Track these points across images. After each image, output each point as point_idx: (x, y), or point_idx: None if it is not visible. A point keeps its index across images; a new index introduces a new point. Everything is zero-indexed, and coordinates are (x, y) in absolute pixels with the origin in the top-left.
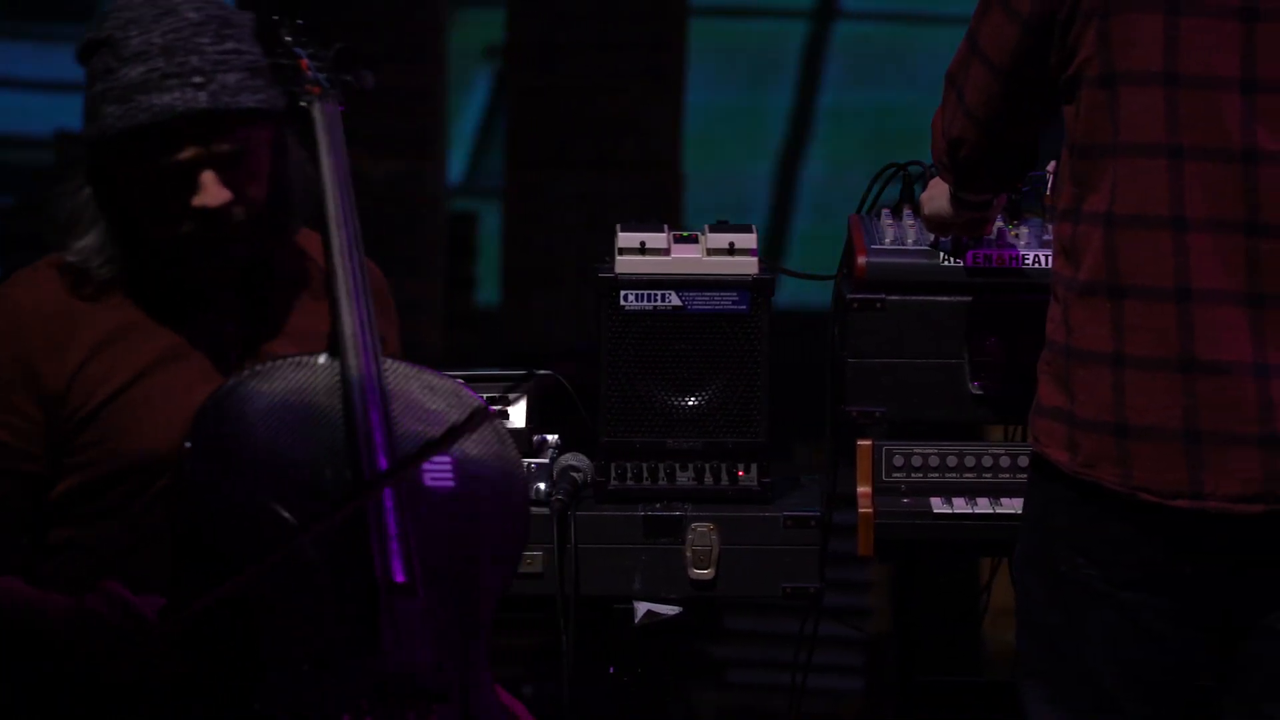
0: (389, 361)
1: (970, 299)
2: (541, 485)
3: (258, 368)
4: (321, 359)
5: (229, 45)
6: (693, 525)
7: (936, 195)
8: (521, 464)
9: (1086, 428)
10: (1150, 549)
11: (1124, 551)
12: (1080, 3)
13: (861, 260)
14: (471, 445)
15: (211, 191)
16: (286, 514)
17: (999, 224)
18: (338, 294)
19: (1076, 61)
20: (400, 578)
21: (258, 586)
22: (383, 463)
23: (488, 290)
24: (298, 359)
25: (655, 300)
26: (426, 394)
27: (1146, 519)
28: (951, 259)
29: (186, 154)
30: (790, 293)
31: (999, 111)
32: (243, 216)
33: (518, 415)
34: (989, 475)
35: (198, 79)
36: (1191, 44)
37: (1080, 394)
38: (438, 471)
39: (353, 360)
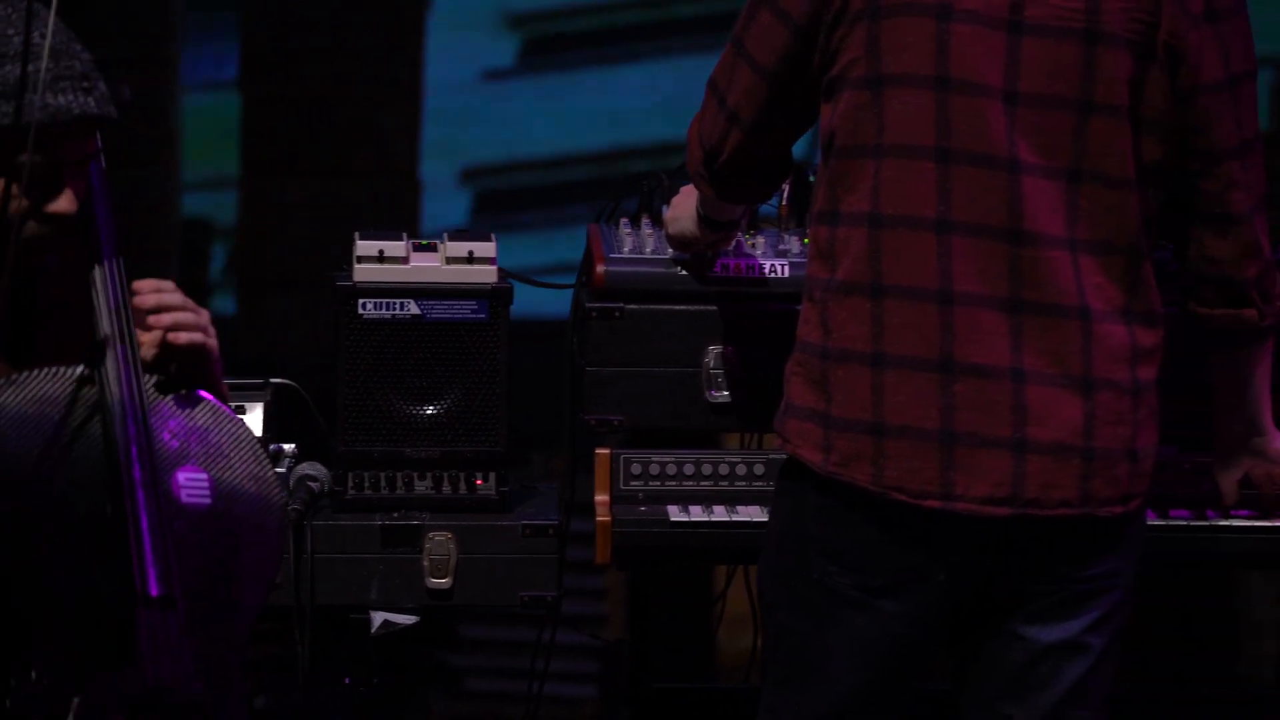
0: (148, 376)
1: (708, 308)
2: None
3: (13, 377)
4: (79, 370)
5: (88, 54)
6: (430, 534)
7: (682, 216)
8: (278, 482)
9: (842, 427)
10: (902, 554)
11: (876, 558)
12: (849, 5)
13: (600, 269)
14: (229, 466)
15: (68, 198)
16: (31, 523)
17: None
18: (97, 304)
19: (841, 63)
20: (156, 591)
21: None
22: (138, 473)
23: (222, 298)
24: (54, 370)
25: (394, 309)
26: (184, 407)
27: (899, 522)
28: (683, 270)
29: (63, 156)
30: (531, 301)
31: (764, 116)
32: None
33: (254, 424)
34: (725, 483)
35: (85, 84)
36: (961, 51)
37: (838, 394)
38: (195, 489)
39: (111, 371)
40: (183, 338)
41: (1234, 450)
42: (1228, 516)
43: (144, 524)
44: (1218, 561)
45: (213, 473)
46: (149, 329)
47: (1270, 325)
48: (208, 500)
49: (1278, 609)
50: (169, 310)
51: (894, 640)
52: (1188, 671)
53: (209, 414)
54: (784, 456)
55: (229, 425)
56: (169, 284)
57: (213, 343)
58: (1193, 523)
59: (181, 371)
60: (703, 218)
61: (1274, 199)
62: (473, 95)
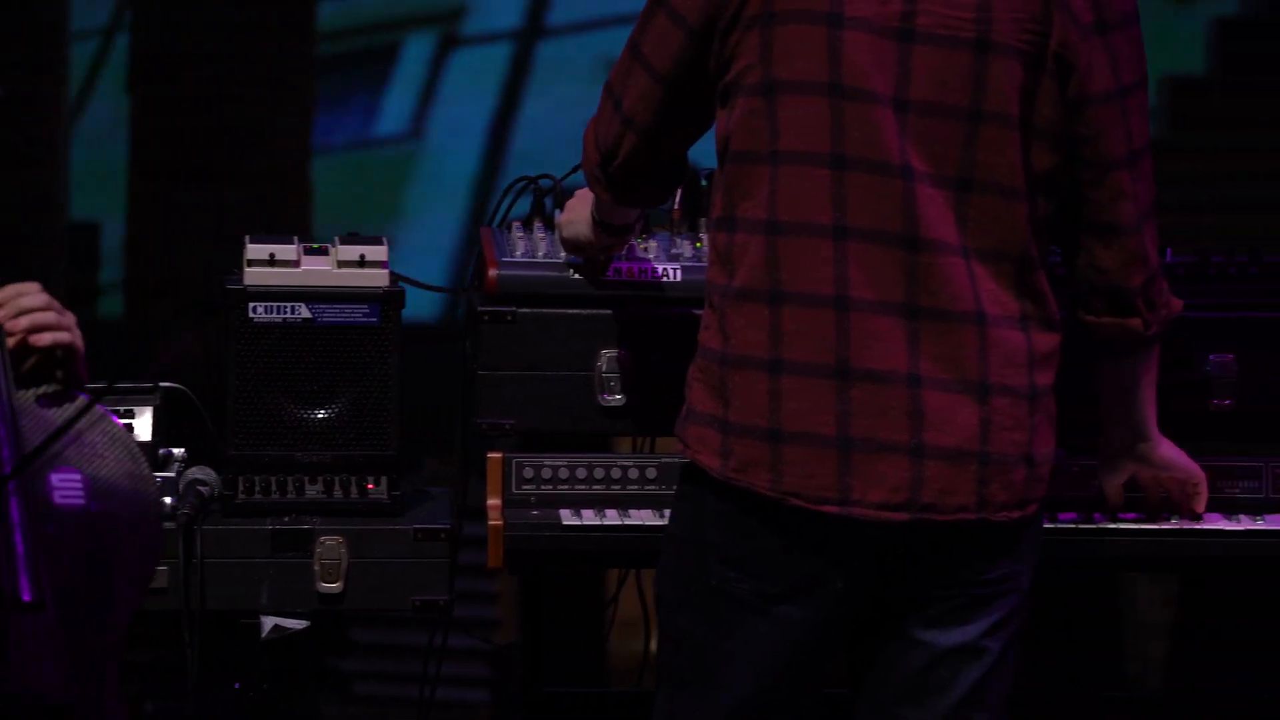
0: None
1: (601, 312)
2: (167, 499)
3: None
4: None
5: None
6: (321, 539)
7: (576, 220)
8: (155, 483)
9: (740, 433)
10: (801, 560)
11: (775, 564)
12: (743, 10)
13: (492, 273)
14: (104, 464)
15: None
16: None
17: None
18: None
19: (735, 69)
20: (27, 596)
21: None
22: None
23: (110, 302)
24: None
25: (285, 312)
26: (55, 407)
27: (797, 528)
28: (576, 274)
29: None
30: (425, 305)
31: (660, 120)
32: None
33: (143, 428)
34: (618, 487)
35: None
36: (853, 58)
37: (735, 400)
38: (68, 490)
39: None
40: (45, 338)
41: (1119, 456)
42: (1114, 520)
43: (15, 527)
44: (1105, 564)
45: (87, 471)
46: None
47: (1156, 334)
48: (82, 501)
49: (1164, 611)
50: (28, 312)
51: (793, 646)
52: (1077, 674)
53: (82, 413)
54: (677, 460)
55: (102, 424)
56: (33, 286)
57: (79, 343)
58: (1080, 525)
59: (46, 371)
60: (598, 222)
61: (1161, 209)
62: None
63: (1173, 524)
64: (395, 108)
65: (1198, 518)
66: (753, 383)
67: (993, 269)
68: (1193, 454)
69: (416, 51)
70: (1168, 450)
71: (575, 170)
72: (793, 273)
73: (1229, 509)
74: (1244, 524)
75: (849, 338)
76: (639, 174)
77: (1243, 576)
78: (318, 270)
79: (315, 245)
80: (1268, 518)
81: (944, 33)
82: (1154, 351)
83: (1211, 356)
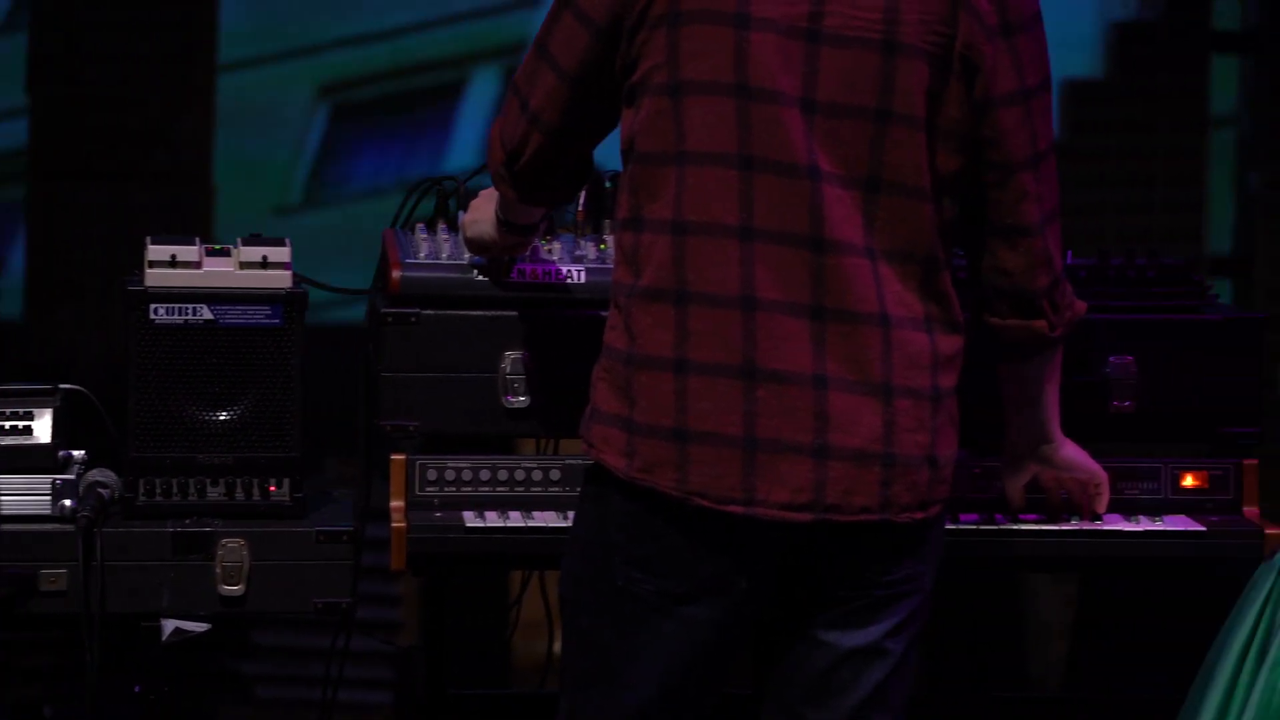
0: None
1: (505, 313)
2: (67, 502)
3: None
4: None
5: None
6: (223, 541)
7: (480, 220)
8: None
9: (646, 433)
10: (706, 561)
11: (680, 564)
12: (649, 10)
13: (395, 274)
14: None
15: None
16: None
17: None
18: None
19: (642, 69)
20: None
21: None
22: None
23: (10, 303)
24: None
25: (186, 314)
26: None
27: (702, 529)
28: (480, 275)
29: None
30: (330, 307)
31: (566, 119)
32: None
33: (42, 430)
34: (522, 489)
35: None
36: (760, 59)
37: (641, 400)
38: None
39: None
40: None
41: (1023, 458)
42: (1016, 521)
43: None
44: (1007, 565)
45: None
46: None
47: (1060, 337)
48: None
49: (1065, 612)
50: None
51: (697, 646)
52: (978, 674)
53: None
54: (581, 462)
55: None
56: None
57: None
58: (982, 526)
59: None
60: (502, 222)
61: (1062, 211)
62: None
63: (1074, 525)
64: (465, 140)
65: (1098, 519)
66: (659, 383)
67: (898, 270)
68: (1093, 455)
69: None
70: (1070, 452)
71: (479, 172)
72: (699, 273)
73: (1128, 510)
74: (1143, 525)
75: (755, 338)
76: (545, 173)
77: (1142, 577)
78: (220, 271)
79: (217, 246)
80: (1166, 518)
81: (851, 34)
82: (1058, 354)
83: (1111, 358)
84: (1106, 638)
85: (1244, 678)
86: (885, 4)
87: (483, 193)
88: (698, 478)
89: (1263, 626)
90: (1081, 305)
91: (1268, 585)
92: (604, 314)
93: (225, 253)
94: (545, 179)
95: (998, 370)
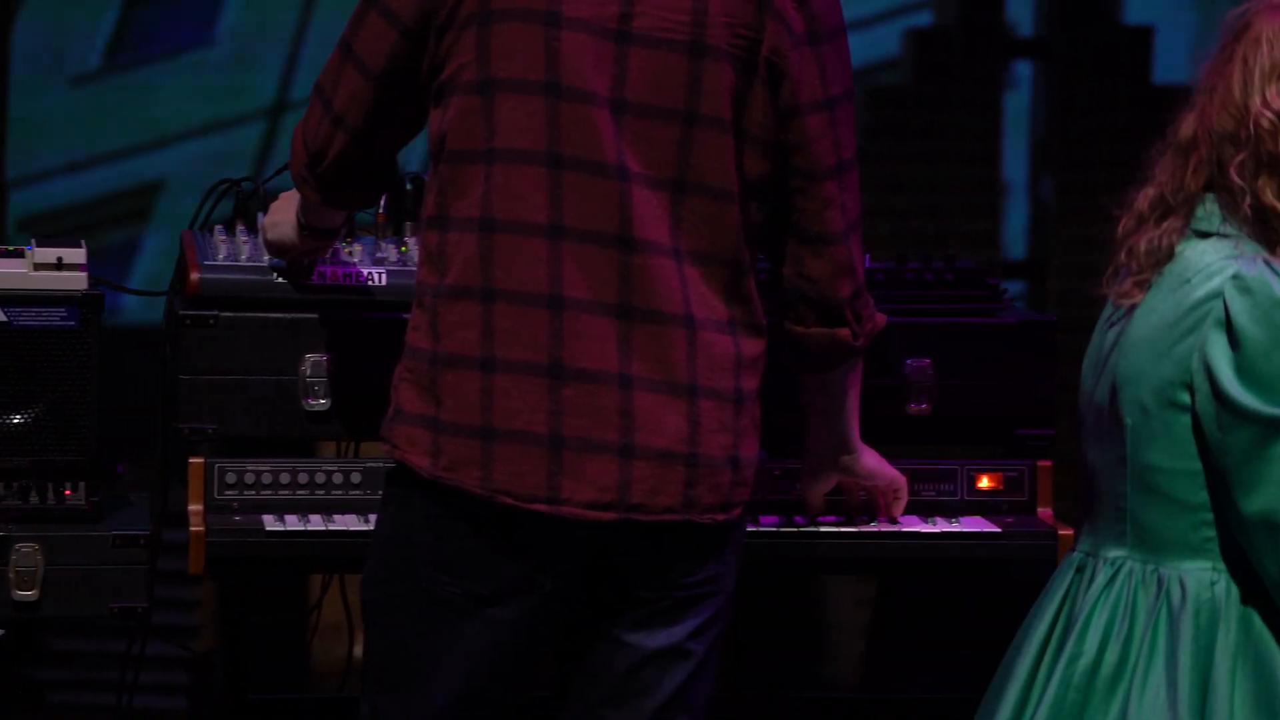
0: None
1: (305, 316)
2: None
3: None
4: None
5: None
6: (16, 546)
7: (281, 222)
8: None
9: (452, 432)
10: (510, 562)
11: (484, 566)
12: (459, 9)
13: (194, 276)
14: None
15: None
16: None
17: None
18: None
19: (451, 67)
20: None
21: None
22: None
23: None
24: None
25: None
26: None
27: (507, 529)
28: (280, 277)
29: None
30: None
31: (371, 120)
32: None
33: None
34: (322, 492)
35: None
36: (570, 58)
37: (447, 399)
38: None
39: None
40: None
41: (823, 466)
42: (815, 522)
43: None
44: (806, 566)
45: None
46: None
47: (863, 346)
48: None
49: (860, 612)
50: None
51: (501, 648)
52: (777, 675)
53: None
54: (383, 464)
55: None
56: None
57: None
58: (782, 529)
59: None
60: (303, 225)
61: (863, 214)
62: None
63: (872, 527)
64: None
65: (896, 521)
66: (465, 381)
67: (704, 272)
68: (890, 458)
69: None
70: (871, 460)
71: (280, 173)
72: (507, 271)
73: (926, 512)
74: (940, 526)
75: (562, 337)
76: (348, 175)
77: (939, 578)
78: (13, 273)
79: (10, 248)
80: (963, 520)
81: (660, 35)
82: (859, 364)
83: (908, 361)
84: (904, 638)
85: (1041, 673)
86: (694, 6)
87: (284, 195)
88: (503, 476)
89: (1060, 622)
90: (882, 317)
91: (1066, 581)
92: (406, 316)
93: (19, 254)
94: (348, 182)
95: (800, 379)
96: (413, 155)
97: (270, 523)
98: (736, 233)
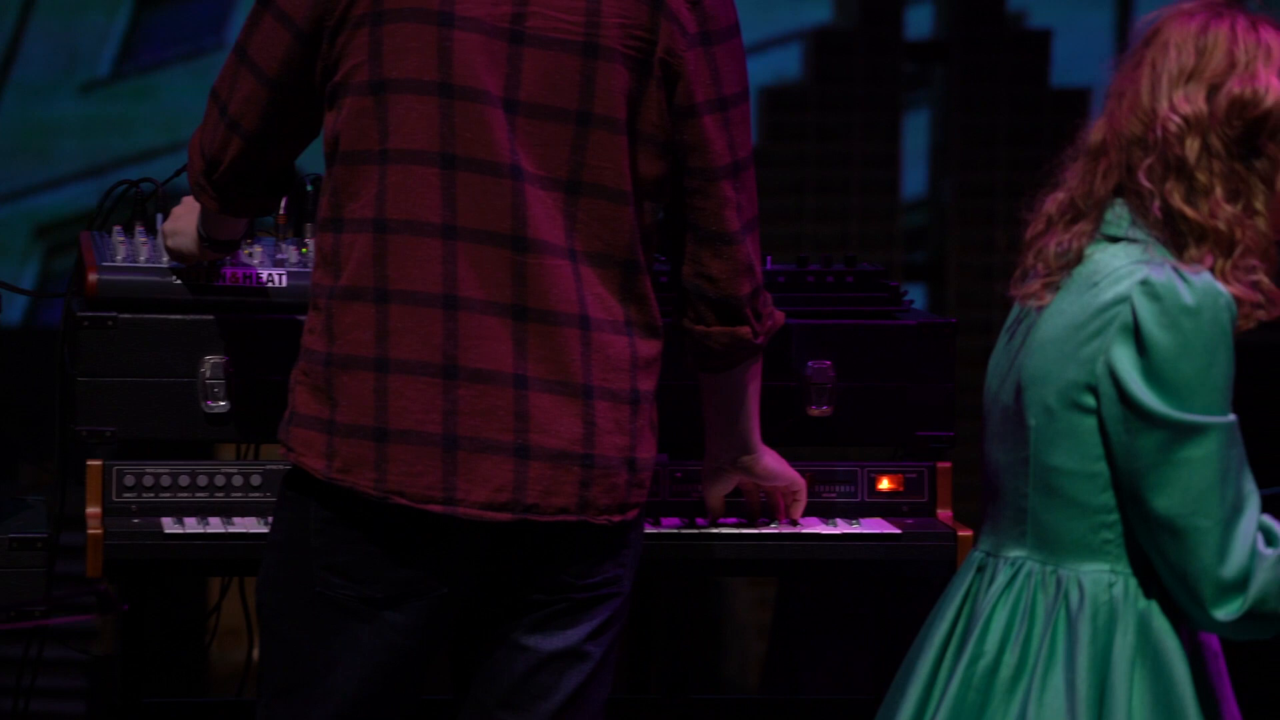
0: None
1: (204, 317)
2: None
3: None
4: None
5: None
6: None
7: (181, 231)
8: None
9: (346, 433)
10: (405, 565)
11: (379, 569)
12: (351, 10)
13: (92, 277)
14: None
15: None
16: None
17: None
18: None
19: (344, 69)
20: None
21: None
22: None
23: None
24: None
25: None
26: None
27: (401, 531)
28: (178, 279)
29: None
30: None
31: (267, 124)
32: None
33: None
34: (222, 495)
35: None
36: (463, 58)
37: (342, 400)
38: None
39: None
40: None
41: (724, 468)
42: (716, 524)
43: None
44: (707, 568)
45: None
46: None
47: (763, 344)
48: None
49: (761, 613)
50: None
51: (397, 651)
52: (677, 676)
53: None
54: (282, 467)
55: None
56: None
57: None
58: (683, 530)
59: None
60: (203, 237)
61: (760, 218)
62: None
63: (772, 528)
64: None
65: (796, 522)
66: (359, 382)
67: (599, 273)
68: (791, 459)
69: None
70: (771, 461)
71: (179, 173)
72: (401, 271)
73: (826, 513)
74: (840, 528)
75: (457, 337)
76: (245, 181)
77: (840, 579)
78: None
79: None
80: (863, 521)
81: (553, 35)
82: (758, 363)
83: (809, 363)
84: (805, 639)
85: (942, 673)
86: (587, 7)
87: (185, 200)
88: (396, 477)
89: (961, 622)
90: (781, 315)
91: (967, 581)
92: (305, 318)
93: None
94: (245, 188)
95: (699, 380)
96: (316, 156)
97: (169, 525)
98: (631, 233)
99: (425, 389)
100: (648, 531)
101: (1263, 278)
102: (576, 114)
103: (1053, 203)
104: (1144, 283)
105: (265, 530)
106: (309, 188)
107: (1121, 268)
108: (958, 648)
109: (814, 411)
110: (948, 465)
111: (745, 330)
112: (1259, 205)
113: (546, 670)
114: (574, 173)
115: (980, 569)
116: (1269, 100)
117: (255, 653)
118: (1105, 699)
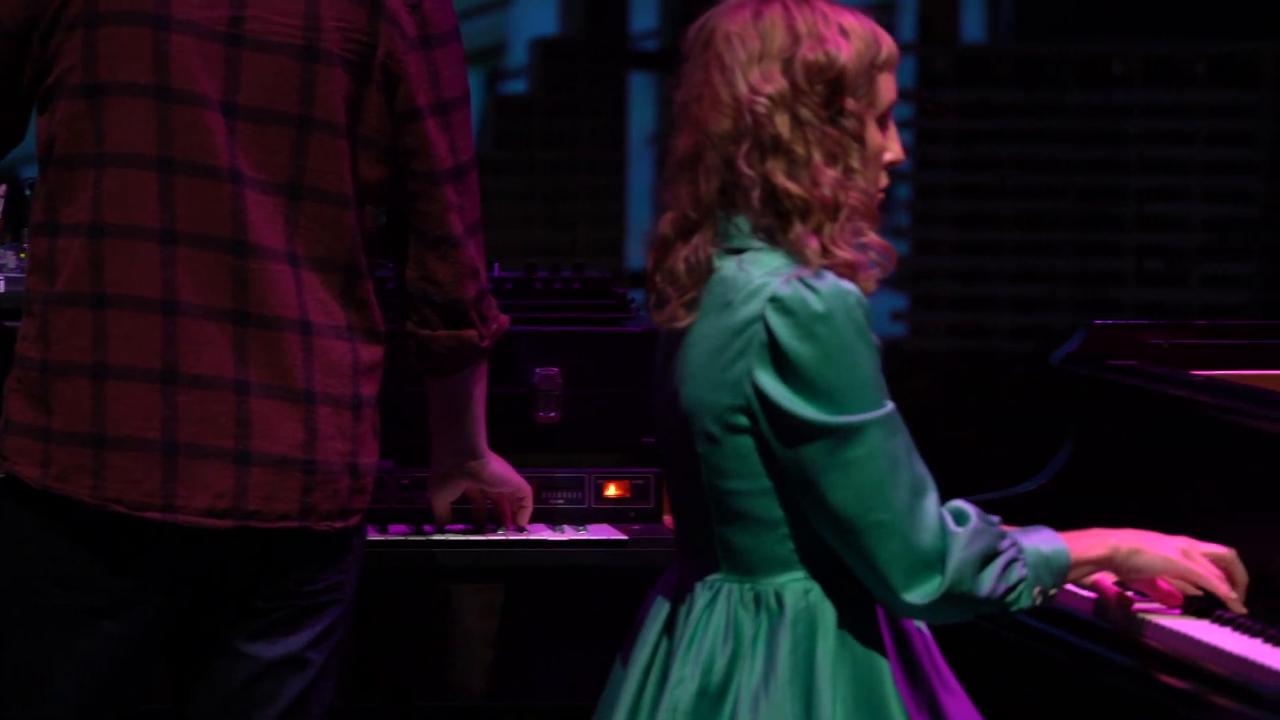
0: None
1: None
2: None
3: None
4: None
5: None
6: None
7: None
8: None
9: (62, 440)
10: (124, 574)
11: (96, 578)
12: (64, 12)
13: None
14: None
15: None
16: None
17: None
18: None
19: (56, 71)
20: None
21: None
22: None
23: None
24: None
25: None
26: None
27: (119, 539)
28: None
29: None
30: None
31: None
32: None
33: None
34: None
35: None
36: (180, 61)
37: (59, 408)
38: None
39: None
40: None
41: (450, 474)
42: (443, 531)
43: None
44: (434, 575)
45: None
46: None
47: (488, 346)
48: None
49: (487, 620)
50: None
51: (115, 661)
52: (402, 683)
53: None
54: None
55: None
56: None
57: None
58: (410, 538)
59: None
60: None
61: (488, 225)
62: None
63: (499, 535)
64: None
65: (523, 529)
66: (76, 389)
67: (321, 278)
68: (519, 466)
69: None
70: (498, 467)
71: None
72: (118, 276)
73: (553, 519)
74: (568, 534)
75: (176, 343)
76: None
77: (567, 585)
78: None
79: None
80: (590, 527)
81: (272, 39)
82: (484, 367)
83: (537, 370)
84: (531, 646)
85: (646, 701)
86: (306, 10)
87: None
88: (114, 484)
89: (662, 649)
90: (505, 318)
91: (666, 607)
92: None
93: None
94: None
95: (425, 385)
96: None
97: None
98: (353, 238)
99: (144, 395)
100: (375, 539)
101: (871, 236)
102: (297, 118)
103: (666, 223)
104: (773, 299)
105: None
106: (27, 193)
107: (751, 283)
108: (660, 675)
109: (542, 418)
110: None
111: (471, 333)
112: (855, 164)
113: (267, 678)
114: (295, 177)
115: (678, 594)
116: (842, 58)
117: None
118: (811, 705)
